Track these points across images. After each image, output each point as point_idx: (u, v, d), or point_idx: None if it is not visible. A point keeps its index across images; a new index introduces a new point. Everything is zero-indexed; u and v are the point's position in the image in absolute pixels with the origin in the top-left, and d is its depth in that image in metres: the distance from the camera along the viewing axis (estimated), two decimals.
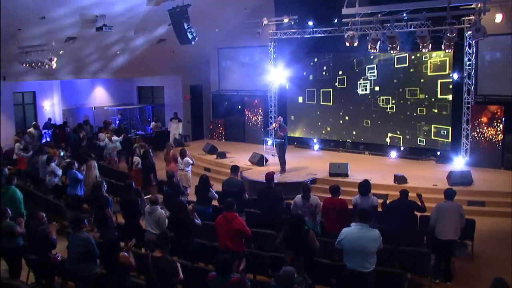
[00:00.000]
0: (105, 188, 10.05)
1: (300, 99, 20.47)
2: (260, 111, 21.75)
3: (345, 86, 19.10)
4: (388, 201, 9.91)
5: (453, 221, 8.74)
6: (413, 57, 17.34)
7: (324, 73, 19.63)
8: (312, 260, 7.50)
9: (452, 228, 8.72)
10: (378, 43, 15.38)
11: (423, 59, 17.15)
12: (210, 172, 17.03)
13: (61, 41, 15.90)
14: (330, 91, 19.55)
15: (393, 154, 17.89)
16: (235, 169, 10.90)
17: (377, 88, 18.34)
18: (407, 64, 17.55)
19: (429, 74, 17.13)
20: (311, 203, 9.16)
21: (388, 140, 18.29)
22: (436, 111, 17.12)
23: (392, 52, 15.86)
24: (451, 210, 8.81)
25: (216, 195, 10.58)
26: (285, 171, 15.51)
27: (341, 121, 19.51)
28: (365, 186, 9.30)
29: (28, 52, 15.20)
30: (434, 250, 8.76)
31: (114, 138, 17.43)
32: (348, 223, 7.37)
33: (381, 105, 18.32)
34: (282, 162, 15.61)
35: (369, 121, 18.71)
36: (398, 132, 18.07)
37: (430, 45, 15.04)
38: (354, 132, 19.23)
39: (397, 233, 8.76)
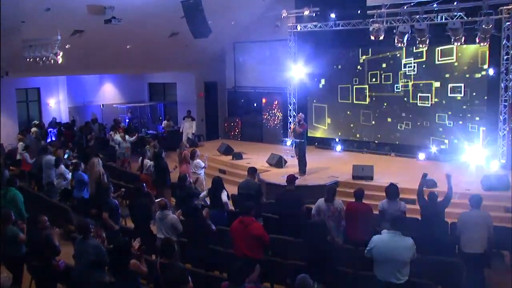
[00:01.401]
0: (112, 191, 10.08)
1: (322, 97, 20.39)
2: (278, 109, 21.69)
3: (374, 82, 18.89)
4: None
5: (478, 233, 8.28)
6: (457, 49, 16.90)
7: (347, 68, 19.51)
8: (334, 269, 7.39)
9: (478, 240, 8.26)
10: (406, 36, 15.20)
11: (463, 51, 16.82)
12: (225, 174, 17.04)
13: (67, 34, 15.96)
14: (355, 87, 19.44)
15: (422, 155, 17.67)
16: (252, 171, 10.85)
17: (412, 85, 18.06)
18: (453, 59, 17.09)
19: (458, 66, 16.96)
20: (336, 207, 9.09)
21: (419, 140, 18.07)
22: (469, 108, 16.89)
23: (421, 46, 15.65)
24: (476, 221, 8.37)
25: (226, 198, 10.51)
26: (305, 173, 15.45)
27: (362, 119, 19.38)
28: (392, 190, 9.16)
29: (33, 46, 15.22)
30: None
31: (127, 137, 17.61)
32: (373, 230, 7.27)
33: (415, 103, 18.04)
34: (302, 163, 15.55)
35: (396, 120, 18.55)
36: (430, 132, 17.86)
37: (463, 38, 14.78)
38: (378, 132, 19.07)
39: (427, 241, 8.57)
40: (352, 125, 19.77)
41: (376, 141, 19.20)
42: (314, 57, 19.81)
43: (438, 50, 17.18)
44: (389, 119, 18.73)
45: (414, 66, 17.90)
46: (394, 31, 15.39)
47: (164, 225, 8.92)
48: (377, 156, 18.37)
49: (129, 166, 17.36)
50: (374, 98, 19.04)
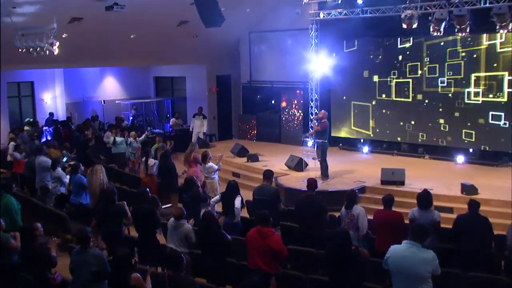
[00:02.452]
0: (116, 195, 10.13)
1: (346, 92, 20.34)
2: (299, 106, 21.67)
3: (412, 76, 18.72)
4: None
5: None
6: None
7: (377, 60, 19.44)
8: (359, 285, 7.39)
9: None
10: (443, 23, 15.07)
11: None
12: (239, 177, 17.04)
13: (64, 22, 16.05)
14: (384, 81, 19.35)
15: (460, 158, 17.57)
16: (268, 174, 10.85)
17: (457, 78, 17.81)
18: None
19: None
20: (353, 213, 9.15)
21: (457, 141, 17.93)
22: None
23: (459, 34, 15.52)
24: None
25: (240, 204, 10.50)
26: (328, 177, 15.47)
27: (393, 117, 19.29)
28: (425, 198, 9.13)
29: (25, 34, 15.22)
30: None
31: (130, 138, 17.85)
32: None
33: (462, 99, 17.78)
34: (324, 166, 15.54)
35: (435, 118, 18.34)
36: (472, 131, 17.69)
37: (511, 24, 14.59)
38: (412, 131, 18.96)
39: (468, 256, 8.55)
40: (380, 124, 19.68)
41: (408, 142, 19.09)
42: (338, 48, 19.77)
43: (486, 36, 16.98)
44: (425, 117, 18.57)
45: (463, 56, 17.60)
46: (430, 17, 15.27)
47: (177, 235, 8.96)
48: (409, 159, 18.27)
49: (139, 168, 17.49)
50: (408, 93, 18.89)
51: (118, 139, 17.96)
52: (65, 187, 13.22)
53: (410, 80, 18.78)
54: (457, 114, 17.93)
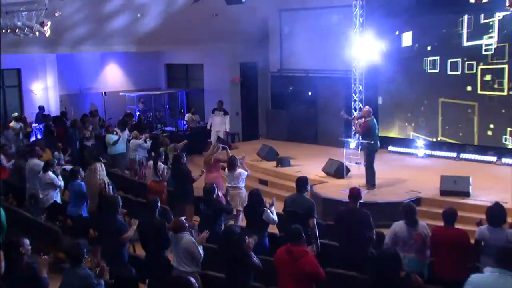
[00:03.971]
0: (120, 206, 10.16)
1: (397, 83, 20.12)
2: (339, 99, 21.44)
3: (484, 67, 18.42)
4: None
5: None
6: None
7: (435, 45, 19.25)
8: None
9: None
10: None
11: None
12: (267, 185, 17.17)
13: None
14: (444, 70, 19.14)
15: None
16: (302, 182, 10.78)
17: None
18: None
19: None
20: (420, 232, 9.02)
21: None
22: None
23: None
24: None
25: (275, 217, 10.58)
26: (375, 187, 15.41)
27: (456, 113, 19.12)
28: (497, 213, 8.94)
29: (10, 12, 15.21)
30: None
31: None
32: (470, 266, 7.12)
33: None
34: (370, 173, 15.48)
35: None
36: None
37: None
38: (479, 131, 18.76)
39: None
40: (440, 121, 19.55)
41: (475, 144, 18.94)
42: (387, 29, 19.67)
43: None
44: (498, 114, 18.32)
45: None
46: None
47: (178, 251, 9.01)
48: (475, 164, 18.10)
49: (141, 173, 17.58)
50: (475, 85, 18.68)
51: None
52: (60, 193, 13.25)
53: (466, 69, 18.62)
54: None
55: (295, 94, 23.03)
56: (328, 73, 21.88)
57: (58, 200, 13.26)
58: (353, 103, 20.25)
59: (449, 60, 18.89)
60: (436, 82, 19.39)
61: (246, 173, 13.63)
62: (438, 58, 19.22)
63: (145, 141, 17.84)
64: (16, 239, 8.33)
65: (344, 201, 10.97)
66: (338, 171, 16.74)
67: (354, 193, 10.04)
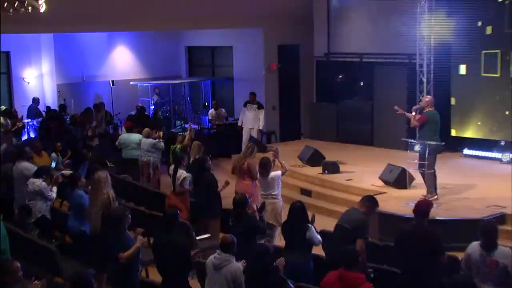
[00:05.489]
0: (129, 222, 10.12)
1: (473, 72, 20.06)
2: (402, 90, 21.39)
3: None
4: None
5: None
6: None
7: None
8: None
9: None
10: None
11: None
12: (310, 196, 17.23)
13: None
14: None
15: None
16: (370, 202, 10.62)
17: None
18: None
19: None
20: (496, 258, 8.75)
21: None
22: None
23: None
24: None
25: (319, 237, 10.57)
26: (436, 194, 15.41)
27: None
28: None
29: None
30: None
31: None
32: None
33: None
34: (430, 178, 15.42)
35: None
36: None
37: None
38: None
39: None
40: None
41: None
42: (460, 6, 19.42)
43: None
44: None
45: None
46: None
47: (221, 279, 8.92)
48: None
49: (155, 179, 17.71)
50: None
51: (133, 136, 18.12)
52: (48, 206, 13.21)
53: None
54: None
55: (346, 83, 23.10)
56: (387, 58, 21.99)
57: (48, 215, 13.18)
58: (418, 95, 20.20)
59: None
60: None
61: (279, 173, 13.53)
62: None
63: (159, 140, 17.82)
64: (4, 261, 8.32)
65: (407, 217, 11.26)
66: (400, 179, 16.71)
67: (422, 207, 10.00)
